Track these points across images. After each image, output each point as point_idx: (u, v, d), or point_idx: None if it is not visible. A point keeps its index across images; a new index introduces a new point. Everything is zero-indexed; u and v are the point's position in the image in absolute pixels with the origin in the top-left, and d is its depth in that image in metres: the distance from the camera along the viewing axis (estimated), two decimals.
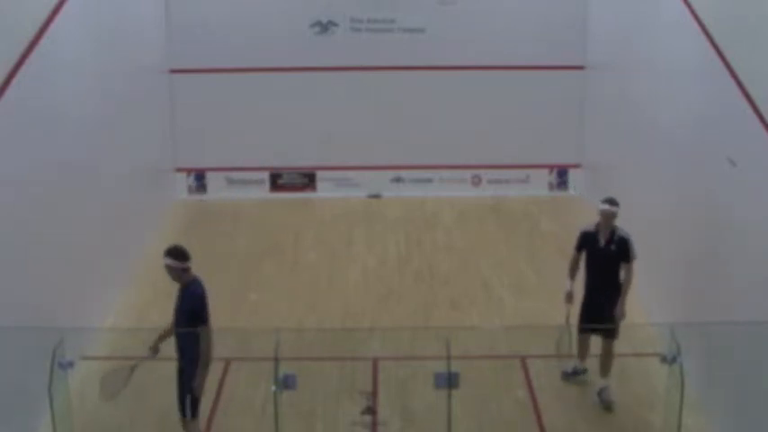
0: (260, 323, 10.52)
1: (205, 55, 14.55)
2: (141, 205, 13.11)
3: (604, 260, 9.47)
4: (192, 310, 8.14)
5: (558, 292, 11.81)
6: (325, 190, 15.24)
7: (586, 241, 9.59)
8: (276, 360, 7.82)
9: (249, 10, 14.52)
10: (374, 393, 9.35)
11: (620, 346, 10.46)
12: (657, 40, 11.21)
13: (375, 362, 10.11)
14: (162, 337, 8.41)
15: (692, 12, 9.96)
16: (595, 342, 9.74)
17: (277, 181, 15.27)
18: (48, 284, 9.28)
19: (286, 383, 7.90)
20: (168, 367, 9.97)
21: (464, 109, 14.81)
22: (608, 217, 9.45)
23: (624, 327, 9.75)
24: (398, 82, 14.76)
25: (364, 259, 12.98)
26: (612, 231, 9.45)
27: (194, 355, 8.13)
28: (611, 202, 9.50)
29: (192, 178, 15.19)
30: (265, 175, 15.25)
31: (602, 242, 9.48)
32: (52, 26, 9.63)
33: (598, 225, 9.54)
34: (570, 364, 9.89)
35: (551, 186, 15.26)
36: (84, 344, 10.06)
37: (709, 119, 9.55)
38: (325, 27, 14.71)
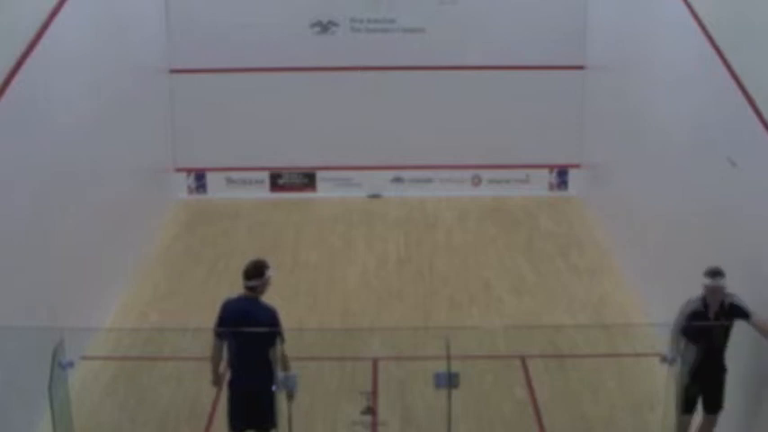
0: None
1: (205, 55, 14.53)
2: (141, 205, 13.11)
3: (715, 336, 8.16)
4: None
5: (558, 292, 11.89)
6: (325, 190, 15.23)
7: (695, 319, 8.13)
8: (276, 360, 7.82)
9: (249, 10, 14.50)
10: (374, 393, 9.34)
11: (620, 345, 10.50)
12: (657, 40, 11.21)
13: (375, 362, 10.11)
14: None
15: (692, 12, 9.96)
16: None
17: (277, 181, 15.27)
18: (48, 284, 9.28)
19: (286, 383, 7.89)
20: (168, 367, 10.02)
21: (464, 109, 14.80)
22: (715, 293, 8.03)
23: (624, 327, 9.76)
24: (398, 82, 14.75)
25: (364, 259, 12.97)
26: (722, 302, 8.07)
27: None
28: (715, 274, 8.04)
29: (192, 178, 15.19)
30: (265, 175, 15.24)
31: (710, 316, 8.10)
32: (52, 26, 9.63)
33: (704, 299, 8.10)
34: None
35: (551, 186, 15.25)
36: (84, 344, 10.08)
37: (709, 119, 9.55)
38: (325, 27, 14.70)
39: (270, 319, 7.99)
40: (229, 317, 8.00)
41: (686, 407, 8.23)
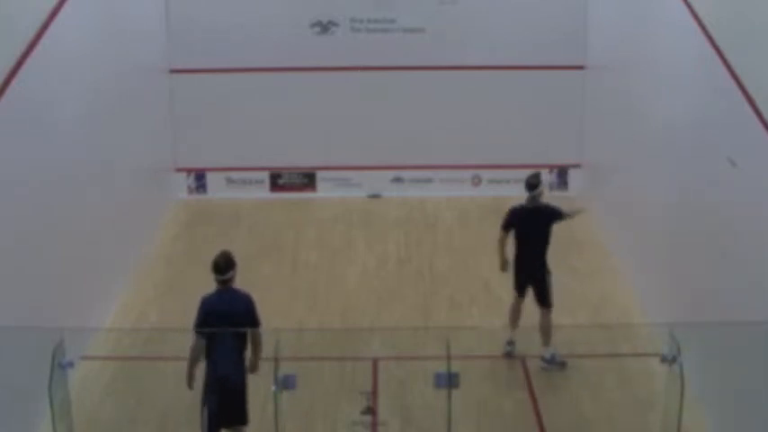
0: None
1: (205, 55, 14.54)
2: (141, 205, 13.11)
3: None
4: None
5: (558, 292, 11.86)
6: (325, 190, 15.23)
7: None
8: (276, 360, 7.83)
9: (249, 10, 14.51)
10: (374, 393, 9.35)
11: (620, 345, 10.50)
12: (657, 39, 11.21)
13: (375, 362, 10.11)
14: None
15: (692, 12, 9.96)
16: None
17: (277, 181, 15.28)
18: (48, 284, 9.28)
19: (286, 383, 7.90)
20: (168, 367, 10.01)
21: (464, 109, 14.80)
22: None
23: (624, 327, 9.77)
24: (398, 82, 14.75)
25: (364, 259, 12.97)
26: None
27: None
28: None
29: (191, 178, 15.19)
30: (265, 175, 15.24)
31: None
32: (52, 26, 9.63)
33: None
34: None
35: (551, 186, 15.20)
36: (84, 344, 10.08)
37: (709, 119, 9.55)
38: (325, 27, 14.71)
39: (251, 306, 8.17)
40: (215, 313, 8.05)
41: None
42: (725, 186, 9.00)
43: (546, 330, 10.15)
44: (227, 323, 8.04)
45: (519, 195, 14.82)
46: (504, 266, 10.43)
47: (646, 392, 9.55)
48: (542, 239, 10.30)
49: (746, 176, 8.55)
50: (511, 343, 10.34)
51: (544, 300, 10.25)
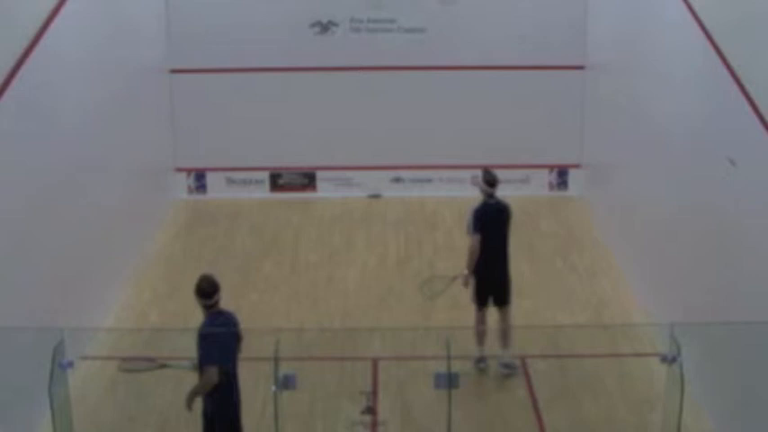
0: (260, 323, 10.53)
1: (205, 55, 14.54)
2: (141, 205, 13.11)
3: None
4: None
5: (558, 292, 11.90)
6: (325, 190, 15.23)
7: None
8: (276, 360, 7.83)
9: (249, 10, 14.50)
10: (374, 393, 9.35)
11: (620, 345, 10.50)
12: (657, 40, 11.21)
13: (375, 362, 10.11)
14: None
15: (692, 12, 9.96)
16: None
17: (277, 181, 15.27)
18: (48, 284, 9.29)
19: (286, 383, 7.90)
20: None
21: (464, 109, 14.79)
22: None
23: (624, 327, 9.76)
24: (398, 82, 14.75)
25: (364, 259, 12.97)
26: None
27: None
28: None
29: (192, 178, 15.19)
30: (265, 175, 15.24)
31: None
32: (52, 26, 9.64)
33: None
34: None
35: (551, 186, 15.24)
36: (84, 344, 10.08)
37: (709, 119, 9.55)
38: (325, 27, 14.71)
39: (238, 323, 8.03)
40: (226, 339, 7.89)
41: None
42: (725, 186, 9.00)
43: (507, 333, 9.97)
44: (234, 347, 7.95)
45: (518, 195, 14.98)
46: (468, 280, 10.00)
47: (646, 392, 9.55)
48: (506, 237, 10.10)
49: (746, 176, 8.55)
50: (482, 360, 10.07)
51: (507, 297, 10.10)
